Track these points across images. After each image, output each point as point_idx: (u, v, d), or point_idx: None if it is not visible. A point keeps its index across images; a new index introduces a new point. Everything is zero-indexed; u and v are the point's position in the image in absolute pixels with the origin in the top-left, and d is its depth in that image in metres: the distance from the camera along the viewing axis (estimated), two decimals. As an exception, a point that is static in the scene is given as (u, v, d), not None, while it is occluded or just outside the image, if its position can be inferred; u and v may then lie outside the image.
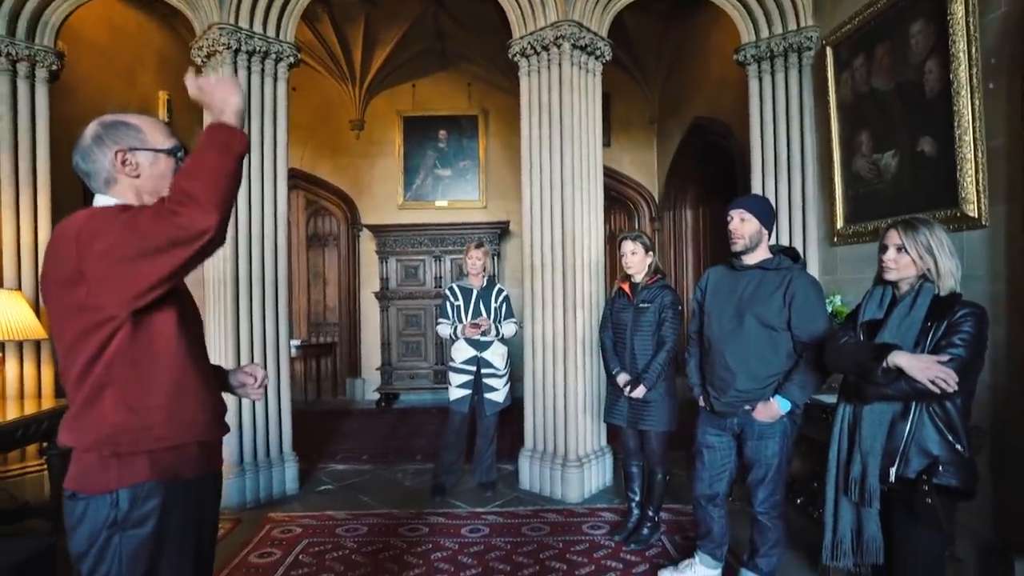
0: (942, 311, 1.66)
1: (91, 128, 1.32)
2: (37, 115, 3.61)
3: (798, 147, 3.72)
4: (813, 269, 3.60)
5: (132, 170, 1.30)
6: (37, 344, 3.59)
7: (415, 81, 7.04)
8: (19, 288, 3.46)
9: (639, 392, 2.87)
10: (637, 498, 3.11)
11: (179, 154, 1.37)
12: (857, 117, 3.32)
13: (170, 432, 1.25)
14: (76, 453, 1.23)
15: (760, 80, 3.85)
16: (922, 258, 1.70)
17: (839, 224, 3.47)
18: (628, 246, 2.98)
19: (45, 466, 3.46)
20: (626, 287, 3.05)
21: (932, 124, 2.75)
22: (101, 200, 1.31)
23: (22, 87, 3.55)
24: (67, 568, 1.40)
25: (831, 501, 1.85)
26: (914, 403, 1.67)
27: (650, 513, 3.05)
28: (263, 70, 3.70)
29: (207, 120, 1.30)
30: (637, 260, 2.97)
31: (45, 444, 3.18)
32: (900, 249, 1.73)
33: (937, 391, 1.55)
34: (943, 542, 1.71)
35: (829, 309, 2.76)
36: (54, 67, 3.66)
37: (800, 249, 3.61)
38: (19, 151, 3.54)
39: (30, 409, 2.97)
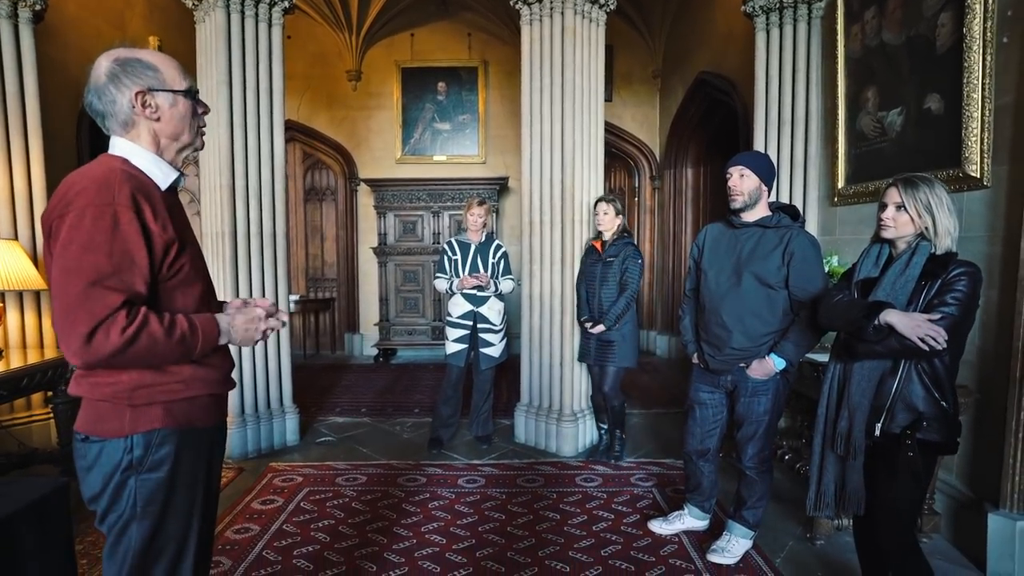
0: (936, 269, 1.66)
1: (104, 64, 1.22)
2: (23, 58, 3.48)
3: (803, 103, 3.64)
4: (812, 229, 3.58)
5: (152, 112, 1.24)
6: (37, 294, 3.59)
7: (414, 30, 6.83)
8: (15, 238, 3.44)
9: (598, 329, 3.36)
10: (606, 426, 3.67)
11: (195, 94, 1.31)
12: (865, 73, 3.24)
13: (185, 387, 1.26)
14: (87, 400, 1.23)
15: (768, 33, 3.73)
16: (920, 216, 1.69)
17: (840, 184, 3.44)
18: (602, 207, 3.42)
19: (51, 415, 3.52)
20: (598, 244, 3.46)
21: (941, 81, 2.69)
22: (118, 145, 1.25)
23: (4, 27, 3.40)
24: (79, 507, 1.44)
25: (817, 455, 1.91)
26: (903, 360, 1.69)
27: (618, 433, 3.59)
28: (256, 14, 3.57)
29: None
30: (608, 220, 3.40)
31: (50, 393, 3.23)
32: (900, 207, 1.72)
33: (927, 349, 1.57)
34: (921, 494, 1.77)
35: (826, 269, 2.77)
36: (37, 7, 3.51)
37: (800, 208, 3.59)
38: (7, 95, 3.43)
39: (33, 358, 2.99)
